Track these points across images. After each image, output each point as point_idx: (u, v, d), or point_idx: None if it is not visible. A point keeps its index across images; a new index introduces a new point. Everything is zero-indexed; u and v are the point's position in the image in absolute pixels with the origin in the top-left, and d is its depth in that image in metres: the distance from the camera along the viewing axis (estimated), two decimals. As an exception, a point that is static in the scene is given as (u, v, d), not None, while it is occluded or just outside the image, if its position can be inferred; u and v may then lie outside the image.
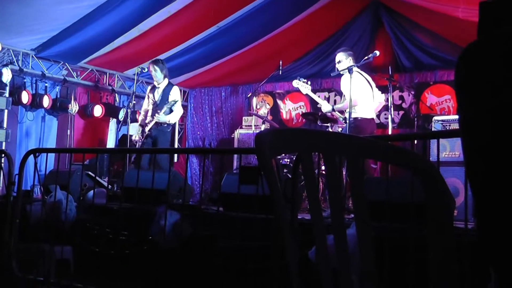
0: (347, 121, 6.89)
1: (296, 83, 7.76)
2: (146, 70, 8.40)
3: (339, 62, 7.32)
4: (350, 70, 6.92)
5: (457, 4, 6.84)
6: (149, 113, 7.97)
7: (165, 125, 7.94)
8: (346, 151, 1.55)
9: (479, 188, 1.15)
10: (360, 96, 6.99)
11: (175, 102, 7.80)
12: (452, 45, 9.02)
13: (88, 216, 5.79)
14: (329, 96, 10.73)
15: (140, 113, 8.41)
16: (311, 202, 1.47)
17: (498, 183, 1.09)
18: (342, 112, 7.26)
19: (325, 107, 7.52)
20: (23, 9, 7.39)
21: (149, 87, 8.26)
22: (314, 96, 7.83)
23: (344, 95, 7.18)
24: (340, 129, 7.52)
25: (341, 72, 7.24)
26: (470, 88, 1.16)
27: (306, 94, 7.94)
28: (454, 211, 5.72)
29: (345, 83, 7.09)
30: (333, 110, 7.40)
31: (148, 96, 8.13)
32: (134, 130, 8.26)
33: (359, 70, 7.24)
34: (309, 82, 7.76)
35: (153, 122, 7.78)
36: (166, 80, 8.07)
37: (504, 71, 1.07)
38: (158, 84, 8.03)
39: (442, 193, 1.49)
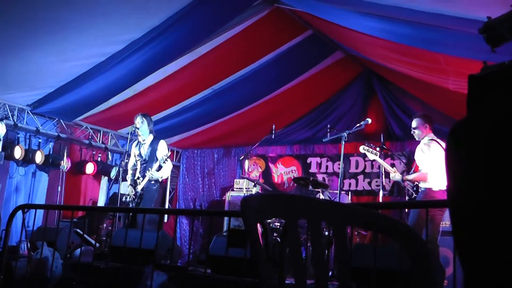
0: (419, 190, 6.66)
1: (363, 149, 7.29)
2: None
3: (414, 128, 6.98)
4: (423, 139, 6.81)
5: (448, 76, 6.94)
6: (138, 171, 7.82)
7: (152, 182, 7.72)
8: (331, 218, 1.57)
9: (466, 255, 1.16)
10: (434, 168, 6.59)
11: (167, 156, 7.51)
12: (443, 115, 9.11)
13: (74, 274, 5.71)
14: (321, 161, 10.79)
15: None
16: (295, 268, 1.48)
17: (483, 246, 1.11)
18: (413, 182, 6.86)
19: (395, 176, 7.03)
20: (25, 66, 7.45)
21: (134, 144, 8.12)
22: (383, 163, 7.29)
23: (416, 164, 6.82)
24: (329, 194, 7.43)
25: (417, 139, 6.95)
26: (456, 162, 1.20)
27: (374, 160, 7.44)
28: (443, 281, 5.68)
29: (418, 152, 6.80)
30: (403, 180, 6.94)
31: (134, 153, 7.99)
32: (125, 189, 8.08)
33: (436, 139, 6.86)
34: (377, 148, 7.27)
35: (145, 180, 7.60)
36: (151, 135, 7.93)
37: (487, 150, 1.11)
38: (143, 140, 7.88)
39: (427, 266, 1.49)
